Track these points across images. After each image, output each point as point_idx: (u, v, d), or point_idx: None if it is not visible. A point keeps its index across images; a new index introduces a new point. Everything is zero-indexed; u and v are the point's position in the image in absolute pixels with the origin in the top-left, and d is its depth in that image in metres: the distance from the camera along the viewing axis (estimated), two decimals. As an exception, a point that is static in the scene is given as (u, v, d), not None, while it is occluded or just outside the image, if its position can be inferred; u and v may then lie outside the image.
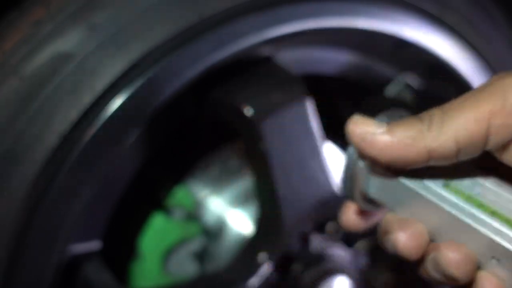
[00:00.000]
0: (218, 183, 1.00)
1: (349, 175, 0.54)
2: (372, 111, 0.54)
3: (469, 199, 0.47)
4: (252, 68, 0.83)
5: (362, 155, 0.49)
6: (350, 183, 0.54)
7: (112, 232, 0.86)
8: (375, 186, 0.52)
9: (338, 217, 0.61)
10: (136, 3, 0.73)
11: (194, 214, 0.99)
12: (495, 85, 0.44)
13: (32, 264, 0.74)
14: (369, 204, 0.55)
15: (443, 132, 0.44)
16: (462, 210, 0.47)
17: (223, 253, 0.99)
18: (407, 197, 0.50)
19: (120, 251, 0.99)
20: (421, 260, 0.48)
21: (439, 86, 0.99)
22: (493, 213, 0.46)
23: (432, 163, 0.46)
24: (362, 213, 0.56)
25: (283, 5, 0.78)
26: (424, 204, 0.49)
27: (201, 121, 1.00)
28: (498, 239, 0.45)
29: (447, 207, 0.47)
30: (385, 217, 0.50)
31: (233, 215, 1.00)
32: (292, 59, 0.89)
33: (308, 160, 0.83)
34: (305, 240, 0.92)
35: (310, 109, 0.82)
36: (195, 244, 0.99)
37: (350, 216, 0.57)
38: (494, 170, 0.48)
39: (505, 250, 0.45)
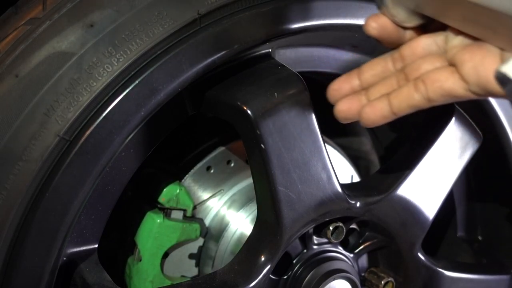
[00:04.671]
0: (218, 183, 1.00)
1: None
2: None
3: None
4: (251, 66, 0.83)
5: None
6: None
7: (110, 232, 0.86)
8: None
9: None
10: (134, 2, 0.73)
11: (193, 215, 0.98)
12: None
13: (30, 265, 0.74)
14: (399, 14, 0.65)
15: None
16: None
17: (223, 254, 0.98)
18: None
19: (118, 252, 0.99)
20: None
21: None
22: None
23: None
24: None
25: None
26: None
27: (200, 120, 1.00)
28: None
29: None
30: None
31: (232, 216, 0.99)
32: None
33: (309, 159, 0.82)
34: (305, 241, 0.91)
35: (310, 107, 0.81)
36: (194, 245, 0.99)
37: (382, 20, 0.66)
38: None
39: None
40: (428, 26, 0.68)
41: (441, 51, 0.67)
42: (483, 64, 0.60)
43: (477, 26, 0.60)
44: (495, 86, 0.58)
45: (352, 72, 0.71)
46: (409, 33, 0.68)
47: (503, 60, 0.58)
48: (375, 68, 0.70)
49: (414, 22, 0.67)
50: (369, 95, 0.69)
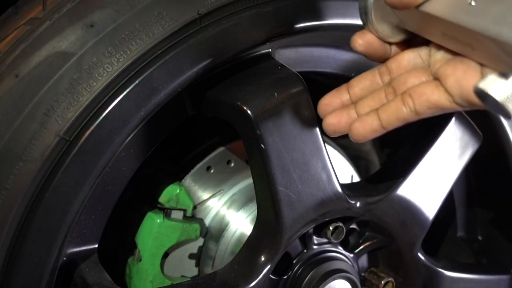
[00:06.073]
0: (218, 183, 1.00)
1: (368, 4, 0.66)
2: None
3: None
4: (251, 66, 0.83)
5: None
6: (368, 11, 0.67)
7: (110, 232, 0.86)
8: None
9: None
10: (134, 2, 0.73)
11: (193, 215, 0.98)
12: None
13: (30, 265, 0.74)
14: (384, 31, 0.68)
15: None
16: None
17: (223, 254, 0.98)
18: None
19: (118, 252, 0.99)
20: None
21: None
22: None
23: None
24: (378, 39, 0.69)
25: None
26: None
27: (200, 120, 1.00)
28: None
29: None
30: None
31: (232, 216, 0.99)
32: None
33: (309, 159, 0.82)
34: (305, 241, 0.91)
35: (310, 107, 0.81)
36: (194, 245, 0.99)
37: (368, 37, 0.68)
38: None
39: None
40: (412, 41, 0.71)
41: (426, 65, 0.69)
42: (465, 78, 0.62)
43: (457, 43, 0.62)
44: (476, 99, 0.60)
45: (341, 86, 0.73)
46: (394, 48, 0.71)
47: (482, 75, 0.60)
48: (363, 82, 0.72)
49: (398, 37, 0.70)
50: (358, 109, 0.70)
